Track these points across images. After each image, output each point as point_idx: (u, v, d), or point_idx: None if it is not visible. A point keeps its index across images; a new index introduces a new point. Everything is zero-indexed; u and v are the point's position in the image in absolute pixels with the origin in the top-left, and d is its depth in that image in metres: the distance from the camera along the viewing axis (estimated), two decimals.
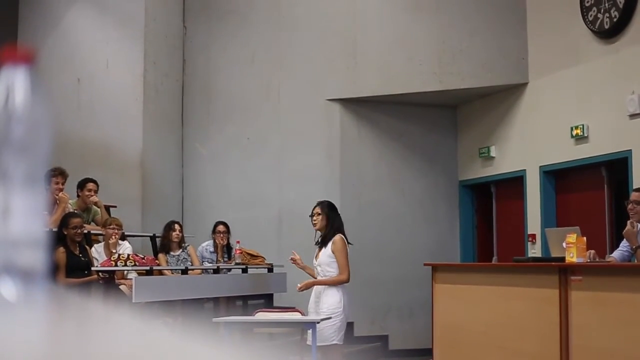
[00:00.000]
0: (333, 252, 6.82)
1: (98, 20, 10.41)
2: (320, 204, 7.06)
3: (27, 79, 1.04)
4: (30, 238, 1.03)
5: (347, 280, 6.86)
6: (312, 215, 7.01)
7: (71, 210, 8.26)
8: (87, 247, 7.95)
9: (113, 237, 8.11)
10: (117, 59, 10.32)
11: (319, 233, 7.03)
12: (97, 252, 8.14)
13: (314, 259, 7.00)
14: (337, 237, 6.87)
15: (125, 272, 7.93)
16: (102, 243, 8.25)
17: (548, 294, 6.22)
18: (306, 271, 7.09)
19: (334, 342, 6.69)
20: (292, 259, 7.12)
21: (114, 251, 7.97)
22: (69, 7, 10.42)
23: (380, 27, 10.71)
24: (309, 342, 6.59)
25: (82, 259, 7.68)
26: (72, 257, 7.54)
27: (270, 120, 11.02)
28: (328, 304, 6.76)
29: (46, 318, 1.08)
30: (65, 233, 7.54)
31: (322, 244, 6.92)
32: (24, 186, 1.03)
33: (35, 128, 1.04)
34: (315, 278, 6.96)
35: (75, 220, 7.67)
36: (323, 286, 6.86)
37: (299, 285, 6.89)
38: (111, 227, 8.16)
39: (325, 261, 6.84)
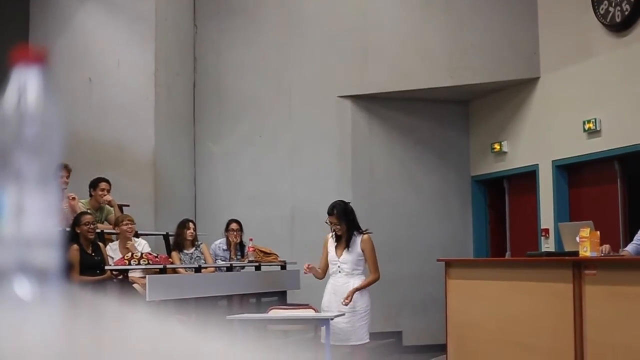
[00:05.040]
0: (363, 251, 6.91)
1: (109, 20, 10.42)
2: (331, 212, 6.91)
3: (39, 79, 1.04)
4: (43, 237, 1.03)
5: (379, 278, 7.01)
6: (330, 223, 6.94)
7: (84, 209, 8.28)
8: (100, 244, 7.97)
9: (128, 232, 8.13)
10: (128, 59, 10.34)
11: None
12: (112, 250, 8.16)
13: (333, 256, 6.96)
14: (366, 236, 6.95)
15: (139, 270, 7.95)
16: (117, 242, 8.26)
17: (562, 289, 6.20)
18: (312, 272, 7.04)
19: (367, 341, 6.80)
20: (307, 270, 7.02)
21: (128, 246, 7.98)
22: (80, 7, 10.45)
23: (391, 22, 10.69)
24: (323, 340, 6.61)
25: (95, 257, 7.70)
26: (85, 256, 7.57)
27: (282, 118, 11.03)
28: (361, 303, 6.86)
29: (60, 316, 1.09)
30: (78, 231, 7.57)
31: (347, 243, 6.91)
32: (37, 186, 1.03)
33: (47, 128, 1.04)
34: (320, 274, 7.03)
35: (87, 217, 7.70)
36: (343, 285, 6.86)
37: (345, 300, 6.78)
38: (124, 223, 8.17)
39: (354, 260, 6.90)
